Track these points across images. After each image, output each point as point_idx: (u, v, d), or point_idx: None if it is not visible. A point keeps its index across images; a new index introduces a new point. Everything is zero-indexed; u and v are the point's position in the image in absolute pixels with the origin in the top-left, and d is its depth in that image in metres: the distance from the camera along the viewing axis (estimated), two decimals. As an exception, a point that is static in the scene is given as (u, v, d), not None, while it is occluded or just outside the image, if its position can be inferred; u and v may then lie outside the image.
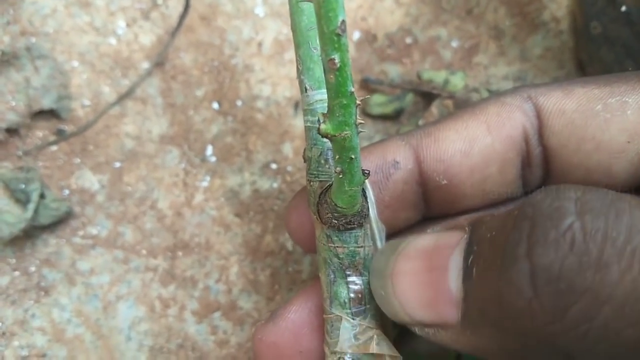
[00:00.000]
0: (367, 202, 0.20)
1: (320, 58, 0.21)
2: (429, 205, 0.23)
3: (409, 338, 0.23)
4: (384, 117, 0.33)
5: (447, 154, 0.21)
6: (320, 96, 0.21)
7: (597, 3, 0.33)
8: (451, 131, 0.21)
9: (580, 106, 0.20)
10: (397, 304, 0.18)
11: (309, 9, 0.21)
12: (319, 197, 0.20)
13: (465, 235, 0.17)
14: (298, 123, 0.32)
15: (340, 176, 0.18)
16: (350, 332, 0.20)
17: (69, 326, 0.29)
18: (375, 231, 0.21)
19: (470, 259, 0.16)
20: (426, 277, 0.17)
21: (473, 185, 0.21)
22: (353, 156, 0.17)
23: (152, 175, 0.31)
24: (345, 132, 0.16)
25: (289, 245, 0.31)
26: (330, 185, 0.20)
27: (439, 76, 0.33)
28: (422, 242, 0.18)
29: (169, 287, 0.30)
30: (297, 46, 0.21)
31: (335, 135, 0.16)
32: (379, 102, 0.33)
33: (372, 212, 0.21)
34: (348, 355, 0.20)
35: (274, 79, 0.32)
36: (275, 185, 0.31)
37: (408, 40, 0.34)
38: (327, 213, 0.20)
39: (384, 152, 0.22)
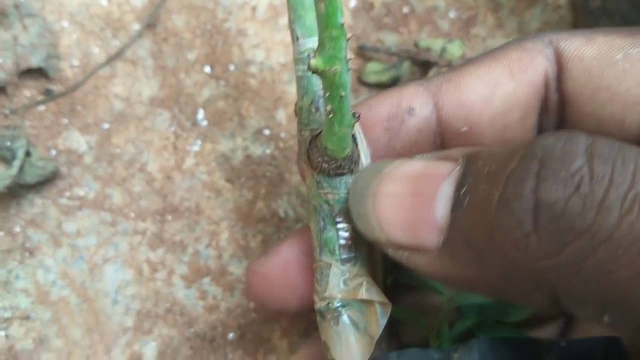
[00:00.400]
0: (358, 148, 0.20)
1: (310, 5, 0.21)
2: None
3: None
4: (379, 86, 0.32)
5: (469, 99, 0.21)
6: (311, 44, 0.21)
7: (596, -23, 0.33)
8: (473, 76, 0.21)
9: (600, 54, 0.20)
10: (375, 222, 0.18)
11: None
12: (310, 143, 0.20)
13: (459, 167, 0.17)
14: (292, 89, 0.32)
15: (330, 115, 0.18)
16: (340, 278, 0.20)
17: (53, 288, 0.29)
18: None
19: (462, 190, 0.16)
20: (410, 201, 0.17)
21: (494, 133, 0.21)
22: (343, 93, 0.17)
23: (141, 138, 0.30)
24: (335, 67, 0.16)
25: (281, 211, 0.30)
26: (320, 132, 0.19)
27: (437, 44, 0.32)
28: (410, 167, 0.18)
29: (158, 251, 0.29)
30: (290, 5, 0.21)
31: (325, 71, 0.16)
32: (375, 70, 0.32)
33: (365, 161, 0.20)
34: (337, 301, 0.20)
35: (268, 44, 0.32)
36: (267, 151, 0.31)
37: (405, 9, 0.33)
38: (318, 157, 0.19)
39: (399, 98, 0.21)
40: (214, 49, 0.31)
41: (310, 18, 0.21)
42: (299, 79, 0.21)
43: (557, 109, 0.21)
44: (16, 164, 0.27)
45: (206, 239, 0.30)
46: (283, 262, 0.22)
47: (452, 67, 0.23)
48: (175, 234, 0.29)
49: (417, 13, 0.33)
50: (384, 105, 0.22)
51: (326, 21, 0.16)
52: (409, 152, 0.21)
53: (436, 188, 0.17)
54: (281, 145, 0.31)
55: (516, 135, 0.21)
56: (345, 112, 0.18)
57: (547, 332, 0.24)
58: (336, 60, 0.16)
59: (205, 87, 0.31)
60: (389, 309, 0.20)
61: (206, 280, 0.29)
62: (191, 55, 0.31)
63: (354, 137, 0.20)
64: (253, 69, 0.32)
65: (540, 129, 0.22)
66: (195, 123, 0.31)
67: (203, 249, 0.30)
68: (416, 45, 0.33)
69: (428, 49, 0.33)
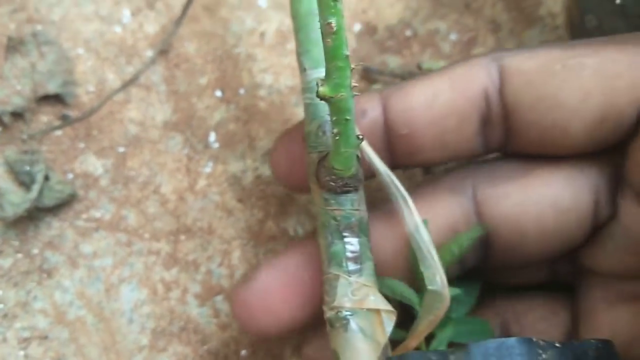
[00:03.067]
0: (362, 168, 0.22)
1: (316, 40, 0.23)
2: (393, 155, 0.24)
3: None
4: (384, 107, 0.34)
5: (411, 105, 0.23)
6: (317, 74, 0.23)
7: (592, -2, 0.34)
8: (419, 86, 0.23)
9: (541, 66, 0.22)
10: None
11: None
12: (318, 164, 0.22)
13: None
14: (300, 111, 0.33)
15: (337, 138, 0.19)
16: (347, 289, 0.21)
17: (71, 308, 0.29)
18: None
19: None
20: None
21: (433, 137, 0.23)
22: (348, 117, 0.19)
23: (155, 161, 0.31)
24: (341, 94, 0.18)
25: (290, 230, 0.31)
26: (328, 153, 0.21)
27: (438, 66, 0.33)
28: None
29: (172, 270, 0.30)
30: (297, 30, 0.24)
31: (332, 97, 0.18)
32: (379, 92, 0.34)
33: (382, 169, 0.23)
34: (345, 310, 0.21)
35: (276, 68, 0.33)
36: (277, 171, 0.32)
37: (408, 32, 0.35)
38: (325, 176, 0.21)
39: (358, 102, 0.23)
40: (224, 74, 0.33)
41: (316, 51, 0.23)
42: (307, 106, 0.23)
43: (502, 121, 0.23)
44: (36, 187, 0.28)
45: (218, 258, 0.30)
46: (262, 288, 0.23)
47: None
48: (188, 254, 0.30)
49: (419, 36, 0.35)
50: None
51: (333, 53, 0.17)
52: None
53: None
54: (290, 165, 0.32)
55: (455, 141, 0.23)
56: (350, 134, 0.19)
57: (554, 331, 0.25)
58: (342, 88, 0.18)
59: (217, 111, 0.32)
60: (394, 317, 0.21)
61: (219, 298, 0.30)
62: (202, 80, 0.32)
63: (358, 158, 0.22)
64: (262, 93, 0.33)
65: (487, 140, 0.24)
66: (207, 145, 0.32)
67: (215, 267, 0.30)
68: (419, 67, 0.34)
69: (430, 71, 0.34)
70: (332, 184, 0.21)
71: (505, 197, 0.23)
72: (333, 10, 0.16)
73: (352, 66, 0.18)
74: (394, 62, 0.34)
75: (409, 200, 0.23)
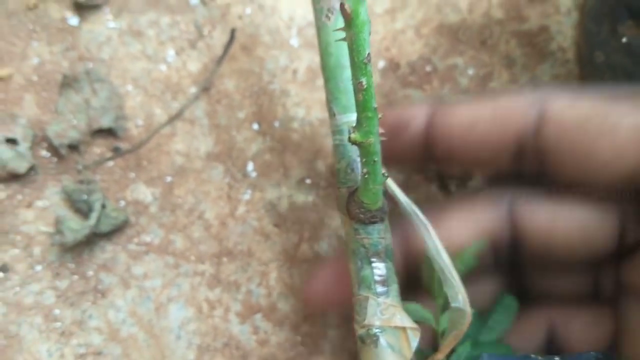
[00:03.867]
0: (387, 201, 0.25)
1: (344, 89, 0.26)
2: (431, 159, 0.27)
3: None
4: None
5: (452, 126, 0.25)
6: (346, 119, 0.26)
7: (600, 34, 0.37)
8: (463, 109, 0.26)
9: (580, 118, 0.23)
10: None
11: (335, 51, 0.27)
12: (348, 198, 0.24)
13: None
14: (329, 142, 0.35)
15: (366, 176, 0.22)
16: (376, 309, 0.23)
17: (123, 326, 0.32)
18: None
19: None
20: None
21: (469, 157, 0.25)
22: (376, 159, 0.22)
23: (199, 189, 0.34)
24: (370, 139, 0.21)
25: (323, 252, 0.34)
26: (357, 189, 0.24)
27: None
28: None
29: (215, 290, 0.33)
30: (327, 80, 0.27)
31: (362, 142, 0.21)
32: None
33: (405, 201, 0.25)
34: (375, 327, 0.23)
35: (308, 102, 0.36)
36: (310, 198, 0.34)
37: (428, 68, 0.37)
38: (355, 209, 0.24)
39: (407, 111, 0.27)
40: (260, 108, 0.35)
41: (344, 98, 0.26)
42: (336, 147, 0.26)
43: (536, 158, 0.25)
44: (94, 215, 0.31)
45: (257, 279, 0.33)
46: (321, 280, 0.28)
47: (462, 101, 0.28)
48: (230, 275, 0.33)
49: (438, 71, 0.37)
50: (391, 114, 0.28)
51: (363, 106, 0.20)
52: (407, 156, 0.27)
53: None
54: (321, 192, 0.35)
55: (489, 163, 0.26)
56: (377, 173, 0.22)
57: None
58: (371, 135, 0.21)
59: (254, 142, 0.35)
60: (419, 334, 0.24)
61: (258, 316, 0.32)
62: (241, 114, 0.35)
63: (384, 192, 0.24)
64: (295, 125, 0.35)
65: (519, 167, 0.25)
66: (245, 175, 0.34)
67: (255, 287, 0.33)
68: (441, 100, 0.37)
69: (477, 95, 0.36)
70: (362, 215, 0.24)
71: (537, 213, 0.25)
72: (364, 72, 0.19)
73: (379, 115, 0.21)
74: (416, 95, 0.37)
75: (430, 227, 0.25)
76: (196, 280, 0.33)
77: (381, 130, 0.22)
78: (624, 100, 0.23)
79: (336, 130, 0.26)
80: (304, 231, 0.34)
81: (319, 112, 0.36)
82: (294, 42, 0.36)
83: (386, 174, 0.23)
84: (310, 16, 0.37)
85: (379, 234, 0.24)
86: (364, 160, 0.22)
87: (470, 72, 0.37)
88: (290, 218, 0.34)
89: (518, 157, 0.25)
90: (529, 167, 0.25)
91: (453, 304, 0.25)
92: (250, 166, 0.34)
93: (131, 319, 0.32)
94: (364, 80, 0.19)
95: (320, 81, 0.36)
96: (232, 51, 0.36)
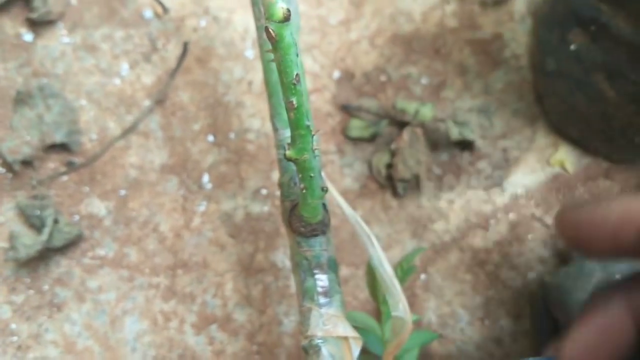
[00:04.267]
0: (327, 214, 0.25)
1: None
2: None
3: None
4: (361, 140, 0.37)
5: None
6: (287, 134, 0.26)
7: (551, 42, 0.38)
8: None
9: None
10: None
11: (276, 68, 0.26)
12: (290, 212, 0.25)
13: None
14: (285, 152, 0.36)
15: (304, 191, 0.23)
16: (319, 320, 0.24)
17: (79, 339, 0.32)
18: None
19: None
20: None
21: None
22: (312, 174, 0.22)
23: (154, 202, 0.34)
24: (305, 156, 0.21)
25: (279, 262, 0.34)
26: (298, 203, 0.24)
27: (411, 107, 0.37)
28: None
29: (170, 302, 0.33)
30: (269, 96, 0.27)
31: (297, 159, 0.21)
32: (357, 126, 0.37)
33: (357, 224, 0.26)
34: (318, 337, 0.24)
35: (263, 113, 0.36)
36: (265, 208, 0.35)
37: (382, 78, 0.38)
38: (296, 223, 0.24)
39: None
40: (215, 120, 0.36)
41: (285, 114, 0.26)
42: (280, 161, 0.26)
43: None
44: (46, 230, 0.31)
45: (213, 290, 0.33)
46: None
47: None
48: (185, 286, 0.33)
49: (393, 81, 0.38)
50: None
51: (295, 124, 0.20)
52: None
53: None
54: (277, 203, 0.35)
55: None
56: (315, 188, 0.23)
57: None
58: (305, 152, 0.21)
59: (209, 154, 0.35)
60: (360, 343, 0.24)
61: (213, 327, 0.33)
62: (196, 126, 0.35)
63: (324, 206, 0.25)
64: (250, 136, 0.36)
65: None
66: (201, 186, 0.35)
67: (210, 298, 0.33)
68: (394, 106, 0.37)
69: (403, 111, 0.37)
70: (302, 229, 0.24)
71: None
72: (293, 92, 0.19)
73: (313, 133, 0.21)
74: (370, 104, 0.37)
75: (373, 238, 0.26)
76: (151, 292, 0.33)
77: (315, 147, 0.21)
78: None
79: (279, 145, 0.27)
80: (260, 241, 0.34)
81: (274, 123, 0.36)
82: (249, 54, 0.37)
83: (325, 188, 0.23)
84: (264, 28, 0.37)
85: (321, 246, 0.25)
86: (300, 176, 0.22)
87: (424, 81, 0.38)
88: (246, 228, 0.34)
89: None
90: None
91: (394, 313, 0.25)
92: (205, 178, 0.35)
93: (87, 332, 0.32)
94: (294, 100, 0.20)
95: (275, 92, 0.37)
96: (187, 64, 0.36)
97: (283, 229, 0.35)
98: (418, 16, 0.39)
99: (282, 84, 0.20)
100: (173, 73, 0.35)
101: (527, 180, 0.37)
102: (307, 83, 0.37)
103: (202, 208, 0.34)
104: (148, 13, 0.37)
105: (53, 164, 0.34)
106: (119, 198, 0.34)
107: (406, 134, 0.36)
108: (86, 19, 0.36)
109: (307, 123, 0.21)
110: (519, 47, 0.40)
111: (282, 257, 0.34)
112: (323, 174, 0.26)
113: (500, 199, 0.36)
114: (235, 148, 0.35)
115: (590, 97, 0.36)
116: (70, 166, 0.34)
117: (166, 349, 0.32)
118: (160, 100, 0.35)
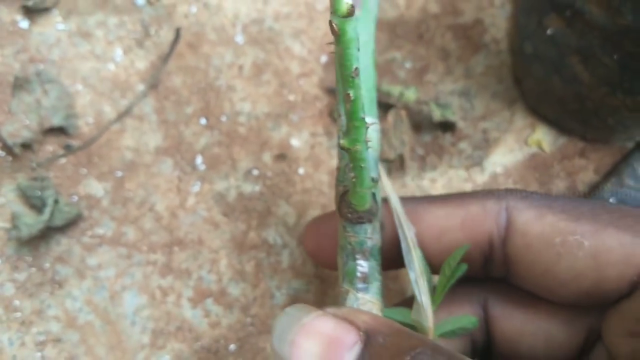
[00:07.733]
0: (377, 204, 0.26)
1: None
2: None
3: None
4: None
5: (422, 232, 0.26)
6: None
7: (529, 27, 0.39)
8: (430, 216, 0.26)
9: (543, 234, 0.23)
10: None
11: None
12: (340, 197, 0.26)
13: (358, 345, 0.19)
14: (275, 135, 0.37)
15: (354, 180, 0.23)
16: (354, 302, 0.25)
17: (80, 314, 0.34)
18: (404, 231, 0.27)
19: None
20: None
21: (441, 261, 0.26)
22: (362, 165, 0.23)
23: (150, 182, 0.35)
24: (357, 147, 0.22)
25: (270, 239, 0.36)
26: (348, 190, 0.25)
27: (395, 90, 0.38)
28: (323, 326, 0.20)
29: (167, 278, 0.34)
30: (337, 83, 0.27)
31: (350, 149, 0.22)
32: (344, 114, 0.38)
33: (407, 231, 0.27)
34: None
35: (254, 97, 0.38)
36: (257, 188, 0.36)
37: (368, 61, 0.39)
38: (344, 208, 0.25)
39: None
40: (207, 104, 0.37)
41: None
42: (338, 145, 0.26)
43: (502, 264, 0.25)
44: (47, 210, 0.32)
45: (208, 266, 0.35)
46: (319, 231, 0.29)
47: (429, 197, 0.28)
48: (181, 263, 0.35)
49: (377, 65, 0.39)
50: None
51: (351, 116, 0.21)
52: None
53: (340, 358, 0.19)
54: (268, 182, 0.37)
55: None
56: (364, 178, 0.23)
57: None
58: (358, 143, 0.22)
59: (202, 136, 0.37)
60: None
61: (209, 301, 0.35)
62: (189, 110, 0.37)
63: (374, 196, 0.25)
64: (242, 119, 0.37)
65: (488, 271, 0.26)
66: (194, 167, 0.36)
67: (205, 274, 0.35)
68: (379, 89, 0.39)
69: (388, 94, 0.39)
70: (349, 215, 0.25)
71: (508, 319, 0.26)
72: (351, 85, 0.20)
73: (367, 125, 0.21)
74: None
75: (410, 239, 0.27)
76: (149, 269, 0.34)
77: (368, 139, 0.22)
78: (586, 219, 0.23)
79: (341, 132, 0.27)
80: (252, 220, 0.36)
81: (264, 106, 0.38)
82: (239, 39, 0.38)
83: (376, 179, 0.24)
84: (254, 14, 0.39)
85: (366, 234, 0.25)
86: (351, 165, 0.23)
87: (408, 65, 0.40)
88: (239, 208, 0.36)
89: (485, 263, 0.26)
90: (496, 272, 0.26)
91: (413, 317, 0.26)
92: (199, 159, 0.36)
93: (87, 307, 0.34)
94: (351, 93, 0.20)
95: (265, 76, 0.38)
96: (179, 49, 0.37)
97: (274, 208, 0.36)
98: (402, 2, 0.40)
99: (341, 76, 0.20)
100: (166, 58, 0.37)
101: (505, 159, 0.38)
102: (295, 67, 0.38)
103: (196, 188, 0.36)
104: (140, 0, 0.38)
105: (51, 147, 0.35)
106: (115, 179, 0.35)
107: (391, 116, 0.38)
108: (80, 6, 0.37)
109: (362, 115, 0.21)
110: (499, 32, 0.41)
111: (274, 235, 0.36)
112: (380, 165, 0.27)
113: (480, 177, 0.38)
114: (227, 130, 0.37)
115: (565, 80, 0.38)
116: (68, 149, 0.35)
117: (164, 322, 0.34)
118: (153, 84, 0.37)
